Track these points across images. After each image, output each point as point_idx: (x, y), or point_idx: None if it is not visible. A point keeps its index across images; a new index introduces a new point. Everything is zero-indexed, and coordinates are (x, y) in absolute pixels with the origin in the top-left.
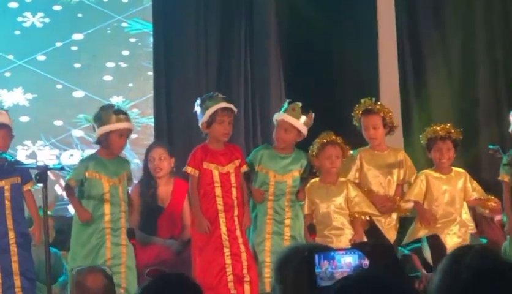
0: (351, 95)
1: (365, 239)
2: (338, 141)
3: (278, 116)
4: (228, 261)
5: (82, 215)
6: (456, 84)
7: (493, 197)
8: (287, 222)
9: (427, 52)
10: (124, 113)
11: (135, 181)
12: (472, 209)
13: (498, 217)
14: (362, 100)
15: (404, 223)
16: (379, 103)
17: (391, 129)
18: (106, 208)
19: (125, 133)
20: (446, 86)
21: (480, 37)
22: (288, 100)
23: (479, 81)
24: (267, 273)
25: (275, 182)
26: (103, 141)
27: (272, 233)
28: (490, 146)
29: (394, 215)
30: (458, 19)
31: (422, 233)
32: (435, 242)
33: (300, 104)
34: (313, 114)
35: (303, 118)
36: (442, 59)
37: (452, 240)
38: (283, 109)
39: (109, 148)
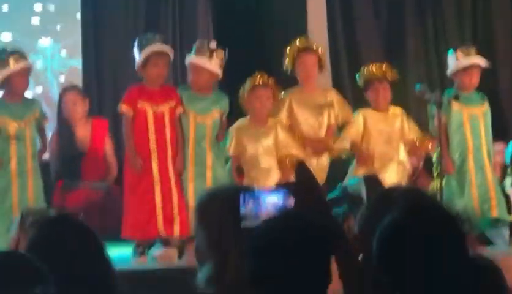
0: (281, 37)
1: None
2: (270, 83)
3: (186, 60)
4: (159, 199)
5: None
6: (384, 25)
7: (427, 138)
8: (209, 163)
9: None
10: (20, 53)
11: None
12: None
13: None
14: (297, 39)
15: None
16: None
17: (321, 68)
18: (13, 150)
19: (26, 73)
20: (374, 27)
21: None
22: (197, 43)
23: (406, 21)
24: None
25: (196, 123)
26: (4, 85)
27: (194, 176)
28: (418, 87)
29: (325, 158)
30: None
31: (361, 172)
32: (374, 181)
33: (205, 43)
34: (222, 51)
35: (207, 55)
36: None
37: (391, 179)
38: (191, 52)
39: (12, 91)
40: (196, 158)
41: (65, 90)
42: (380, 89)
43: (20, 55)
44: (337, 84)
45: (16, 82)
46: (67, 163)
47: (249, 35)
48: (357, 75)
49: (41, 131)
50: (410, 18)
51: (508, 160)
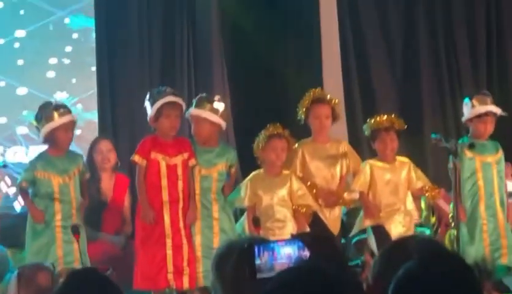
0: (295, 88)
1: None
2: (285, 134)
3: (187, 114)
4: (169, 252)
5: (35, 216)
6: (399, 73)
7: (435, 187)
8: (215, 215)
9: (370, 45)
10: (65, 107)
11: None
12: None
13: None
14: (310, 90)
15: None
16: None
17: (335, 120)
18: (57, 206)
19: (70, 127)
20: (389, 77)
21: (422, 27)
22: (198, 96)
23: (421, 72)
24: (199, 268)
25: (201, 176)
26: (49, 139)
27: (202, 228)
28: (433, 135)
29: (338, 208)
30: (399, 11)
31: (368, 223)
32: (380, 232)
33: (204, 95)
34: (220, 102)
35: (208, 107)
36: (385, 50)
37: (396, 229)
38: (192, 105)
39: (56, 145)
40: (202, 210)
41: (99, 138)
42: (387, 139)
43: (64, 109)
44: (353, 135)
45: (61, 137)
46: (91, 211)
47: (264, 85)
48: (364, 126)
49: (83, 184)
50: (425, 69)
51: None
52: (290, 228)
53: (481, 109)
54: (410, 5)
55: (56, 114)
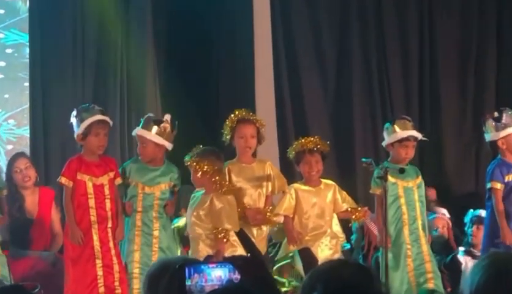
0: (227, 108)
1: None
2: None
3: (134, 132)
4: (100, 272)
5: None
6: (331, 97)
7: (360, 208)
8: (155, 233)
9: (303, 69)
10: None
11: None
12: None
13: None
14: (237, 111)
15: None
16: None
17: (260, 142)
18: None
19: None
20: (321, 99)
21: (356, 53)
22: (146, 116)
23: (353, 96)
24: (136, 284)
25: (144, 194)
26: None
27: (141, 245)
28: (364, 159)
29: (265, 227)
30: (334, 37)
31: (294, 246)
32: (307, 255)
33: (152, 115)
34: (167, 124)
35: (155, 129)
36: (318, 71)
37: (323, 252)
38: (139, 125)
39: None
40: (143, 227)
41: (16, 156)
42: (311, 161)
43: None
44: (285, 159)
45: None
46: (15, 231)
47: (197, 106)
48: (288, 149)
49: (1, 201)
50: (357, 94)
51: (466, 229)
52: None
53: (403, 134)
54: (344, 32)
55: None
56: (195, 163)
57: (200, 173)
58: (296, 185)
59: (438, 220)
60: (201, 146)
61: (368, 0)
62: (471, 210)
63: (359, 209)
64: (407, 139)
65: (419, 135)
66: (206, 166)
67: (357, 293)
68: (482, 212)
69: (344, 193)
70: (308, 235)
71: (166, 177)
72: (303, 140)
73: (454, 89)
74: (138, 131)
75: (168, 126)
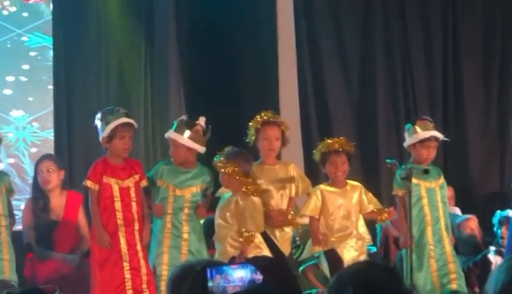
0: (251, 111)
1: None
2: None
3: (166, 134)
4: (128, 275)
5: None
6: (355, 98)
7: (386, 209)
8: (185, 236)
9: (327, 70)
10: None
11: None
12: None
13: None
14: (262, 112)
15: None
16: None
17: (284, 144)
18: None
19: None
20: (345, 100)
21: (379, 54)
22: (179, 118)
23: (378, 97)
24: (164, 287)
25: (174, 196)
26: None
27: (170, 247)
28: (388, 160)
29: (288, 229)
30: (357, 38)
31: (319, 247)
32: (332, 256)
33: (184, 118)
34: (199, 128)
35: (187, 133)
36: (341, 73)
37: (349, 253)
38: (172, 127)
39: None
40: (172, 230)
41: (41, 158)
42: (337, 162)
43: None
44: (309, 159)
45: None
46: (40, 231)
47: (221, 108)
48: (314, 150)
49: (9, 205)
50: (381, 94)
51: (495, 230)
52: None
53: (424, 134)
54: (367, 33)
55: None
56: (222, 164)
57: (227, 174)
58: (321, 186)
59: (470, 222)
60: (229, 148)
61: (391, 0)
62: (499, 211)
63: (385, 210)
64: (428, 139)
65: (440, 136)
66: (232, 168)
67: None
68: (511, 213)
69: (370, 194)
70: (334, 236)
71: (198, 179)
72: (328, 141)
73: (478, 89)
74: (170, 134)
75: (200, 129)
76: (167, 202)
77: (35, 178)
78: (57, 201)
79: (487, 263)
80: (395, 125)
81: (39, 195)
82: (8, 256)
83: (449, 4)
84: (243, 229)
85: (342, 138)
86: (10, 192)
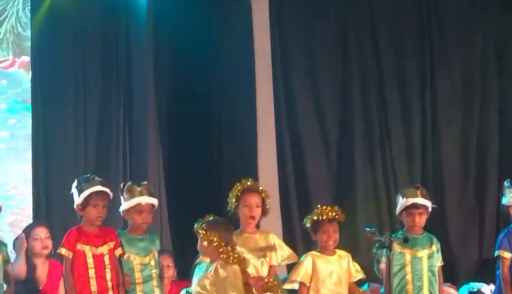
0: (230, 178)
1: None
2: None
3: (124, 207)
4: None
5: None
6: (334, 165)
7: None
8: None
9: (305, 136)
10: None
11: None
12: None
13: None
14: (243, 180)
15: None
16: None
17: (264, 213)
18: None
19: None
20: (324, 170)
21: (358, 121)
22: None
23: (355, 164)
24: None
25: (141, 264)
26: None
27: None
28: (367, 228)
29: None
30: (335, 102)
31: None
32: None
33: (128, 183)
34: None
35: (142, 193)
36: (320, 144)
37: None
38: (124, 200)
39: None
40: None
41: (37, 223)
42: (330, 230)
43: None
44: (287, 227)
45: None
46: None
47: (200, 178)
48: (305, 218)
49: (6, 274)
50: (359, 159)
51: None
52: None
53: (408, 201)
54: (346, 99)
55: None
56: (203, 232)
57: (207, 242)
58: (312, 253)
59: None
60: (211, 216)
61: (370, 77)
62: (469, 283)
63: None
64: (414, 206)
65: (426, 202)
66: (214, 238)
67: None
68: (484, 288)
69: (356, 264)
70: None
71: (154, 244)
72: (322, 208)
73: (457, 155)
74: (131, 202)
75: (148, 186)
76: (133, 272)
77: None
78: (41, 268)
79: None
80: (374, 194)
81: (28, 261)
82: None
83: (427, 69)
84: None
85: (335, 206)
86: (6, 262)
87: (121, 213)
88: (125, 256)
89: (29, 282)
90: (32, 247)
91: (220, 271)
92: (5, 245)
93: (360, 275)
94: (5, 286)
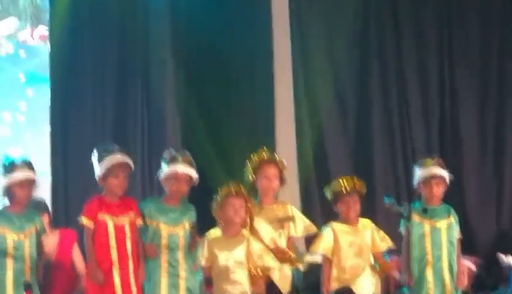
0: (247, 148)
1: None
2: (243, 192)
3: (163, 172)
4: None
5: None
6: (352, 137)
7: (389, 262)
8: (182, 274)
9: (323, 107)
10: (24, 163)
11: None
12: None
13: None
14: (259, 151)
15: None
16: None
17: (282, 183)
18: (9, 263)
19: (27, 184)
20: (342, 141)
21: (375, 91)
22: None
23: (374, 136)
24: None
25: (168, 234)
26: (7, 194)
27: (168, 286)
28: (386, 199)
29: (287, 268)
30: (353, 74)
31: (333, 285)
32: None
33: (172, 151)
34: (189, 156)
35: (182, 161)
36: (339, 114)
37: (363, 289)
38: (164, 163)
39: (13, 201)
40: (169, 269)
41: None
42: (350, 202)
43: (23, 165)
44: (306, 197)
45: (17, 193)
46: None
47: (218, 148)
48: (326, 188)
49: (38, 245)
50: (378, 133)
51: None
52: (246, 290)
53: (424, 173)
54: (364, 71)
55: (9, 171)
56: (222, 199)
57: (228, 208)
58: (333, 224)
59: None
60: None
61: (388, 49)
62: None
63: (388, 263)
64: (432, 177)
65: (441, 172)
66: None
67: None
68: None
69: (382, 232)
70: (347, 274)
71: (186, 216)
72: (341, 180)
73: (474, 126)
74: (169, 168)
75: (190, 158)
76: (160, 241)
77: None
78: (48, 243)
79: None
80: (392, 165)
81: None
82: None
83: (445, 42)
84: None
85: (354, 177)
86: (41, 232)
87: (159, 179)
88: (154, 224)
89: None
90: None
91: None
92: (38, 215)
93: (386, 245)
94: None
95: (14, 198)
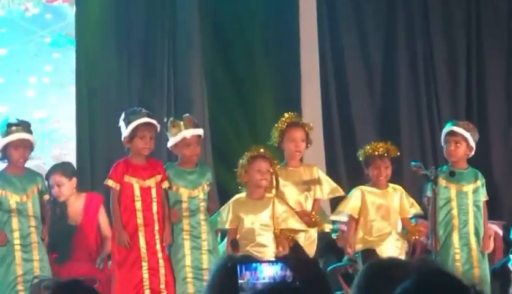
0: (273, 112)
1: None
2: (268, 155)
3: (172, 142)
4: (146, 275)
5: None
6: (377, 100)
7: (417, 227)
8: (203, 236)
9: (349, 72)
10: (17, 125)
11: None
12: None
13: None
14: (286, 114)
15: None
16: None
17: (308, 146)
18: (14, 224)
19: (22, 145)
20: (368, 103)
21: (402, 55)
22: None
23: (400, 99)
24: (191, 289)
25: (189, 197)
26: (4, 156)
27: (191, 249)
28: (413, 163)
29: (313, 231)
30: (380, 39)
31: (358, 246)
32: (371, 256)
33: (171, 118)
34: (190, 117)
35: (185, 126)
36: (364, 77)
37: (390, 253)
38: (170, 134)
39: (10, 162)
40: (191, 231)
41: (51, 171)
42: (381, 166)
43: (15, 127)
44: (331, 160)
45: (12, 154)
46: (58, 237)
47: (243, 109)
48: (359, 151)
49: (42, 205)
50: (403, 92)
51: None
52: (271, 253)
53: (445, 130)
54: (391, 38)
55: (6, 132)
56: (248, 163)
57: (254, 171)
58: (362, 187)
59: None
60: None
61: (415, 10)
62: None
63: (417, 228)
64: (450, 134)
65: (460, 130)
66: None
67: (451, 281)
68: None
69: (411, 199)
70: (372, 236)
71: (204, 177)
72: (374, 144)
73: (501, 93)
74: (178, 136)
75: (191, 118)
76: (181, 205)
77: (49, 187)
78: (74, 206)
79: (506, 271)
80: (418, 128)
81: (55, 202)
82: (39, 257)
83: (473, 15)
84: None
85: (388, 142)
86: (42, 193)
87: (170, 149)
88: (174, 188)
89: (62, 220)
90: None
91: (278, 204)
92: (40, 175)
93: (414, 210)
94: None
95: (11, 159)
